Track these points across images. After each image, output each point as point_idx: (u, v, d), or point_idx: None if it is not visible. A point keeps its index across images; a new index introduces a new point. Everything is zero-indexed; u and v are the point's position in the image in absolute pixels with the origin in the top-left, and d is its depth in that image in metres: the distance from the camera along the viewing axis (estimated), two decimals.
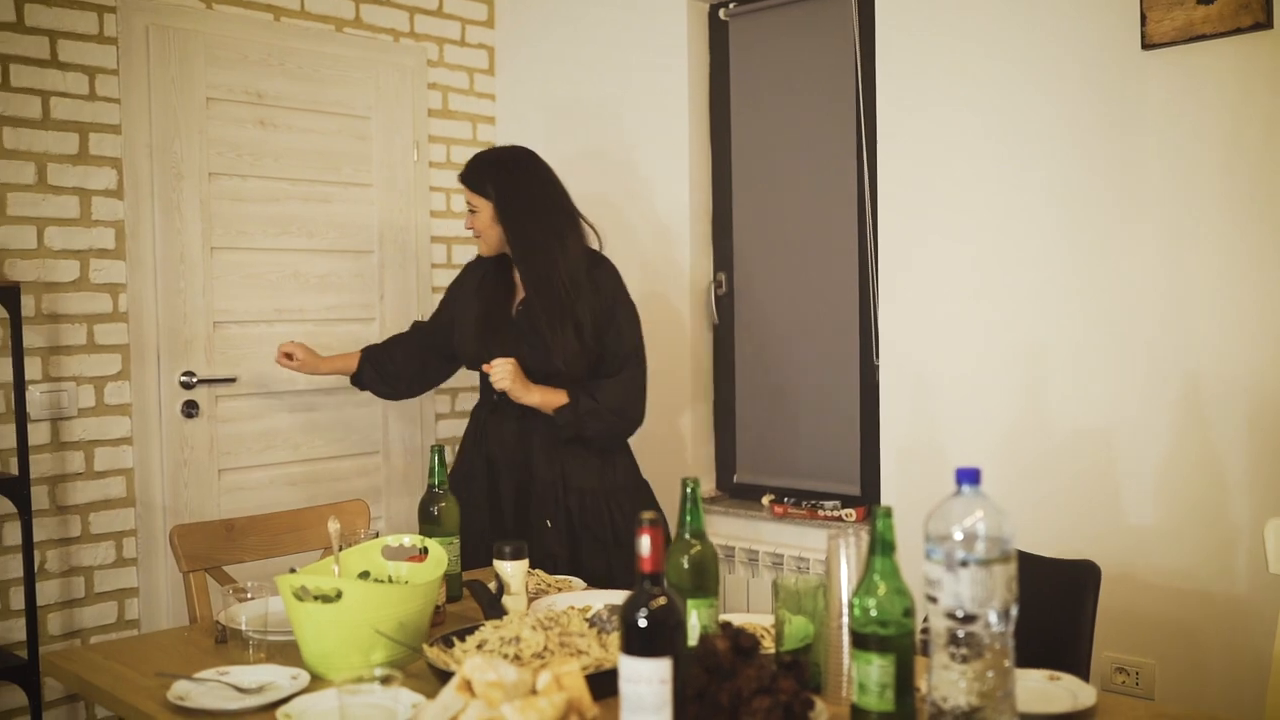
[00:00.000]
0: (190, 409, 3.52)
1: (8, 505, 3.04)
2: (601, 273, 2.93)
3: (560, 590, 2.32)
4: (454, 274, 4.15)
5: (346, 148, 3.89)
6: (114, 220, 3.35)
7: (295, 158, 3.74)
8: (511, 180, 2.92)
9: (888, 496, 3.25)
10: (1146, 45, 2.73)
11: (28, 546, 2.96)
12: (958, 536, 1.37)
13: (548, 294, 2.84)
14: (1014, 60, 2.97)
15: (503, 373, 2.81)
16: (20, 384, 2.96)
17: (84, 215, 3.30)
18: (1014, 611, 1.39)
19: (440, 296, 4.04)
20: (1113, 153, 2.81)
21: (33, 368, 3.19)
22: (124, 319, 3.37)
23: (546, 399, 2.85)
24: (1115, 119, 2.81)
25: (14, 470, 3.04)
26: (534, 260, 2.87)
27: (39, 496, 3.19)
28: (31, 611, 2.98)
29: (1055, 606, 2.15)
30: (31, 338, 3.18)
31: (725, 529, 3.59)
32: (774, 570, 3.44)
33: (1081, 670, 2.08)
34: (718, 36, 3.77)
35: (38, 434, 3.20)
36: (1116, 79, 2.80)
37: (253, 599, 2.08)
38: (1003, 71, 2.99)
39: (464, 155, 4.21)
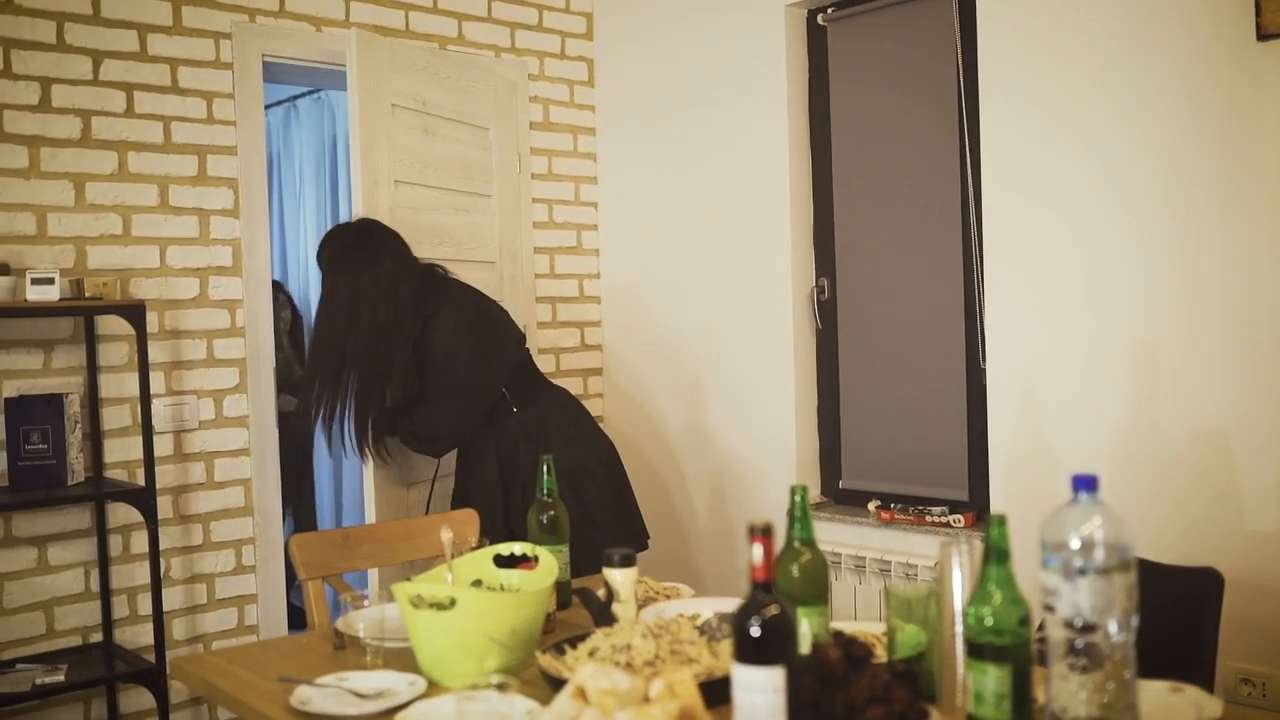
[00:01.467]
0: None
1: (135, 514, 3.16)
2: (434, 322, 3.08)
3: (669, 598, 2.33)
4: (556, 284, 4.22)
5: (476, 158, 3.85)
6: (230, 239, 3.46)
7: (447, 168, 3.69)
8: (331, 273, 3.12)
9: (996, 501, 3.20)
10: (1262, 36, 2.65)
11: (154, 554, 3.08)
12: (1075, 545, 1.35)
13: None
14: (1122, 54, 2.90)
15: None
16: (146, 398, 3.08)
17: (203, 234, 3.41)
18: (1135, 621, 1.36)
19: (544, 308, 4.07)
20: (1226, 147, 2.73)
21: (157, 382, 3.31)
22: (240, 334, 3.48)
23: None
24: (1229, 113, 2.73)
25: (141, 481, 3.16)
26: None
27: (164, 506, 3.31)
28: (158, 617, 3.09)
29: (1176, 615, 2.09)
30: (155, 353, 3.30)
31: (831, 535, 3.57)
32: (881, 577, 3.40)
33: (1205, 681, 2.02)
34: (816, 42, 3.75)
35: (162, 446, 3.31)
36: (1230, 71, 2.72)
37: (370, 606, 2.13)
38: (1110, 65, 2.92)
39: (565, 167, 4.26)
